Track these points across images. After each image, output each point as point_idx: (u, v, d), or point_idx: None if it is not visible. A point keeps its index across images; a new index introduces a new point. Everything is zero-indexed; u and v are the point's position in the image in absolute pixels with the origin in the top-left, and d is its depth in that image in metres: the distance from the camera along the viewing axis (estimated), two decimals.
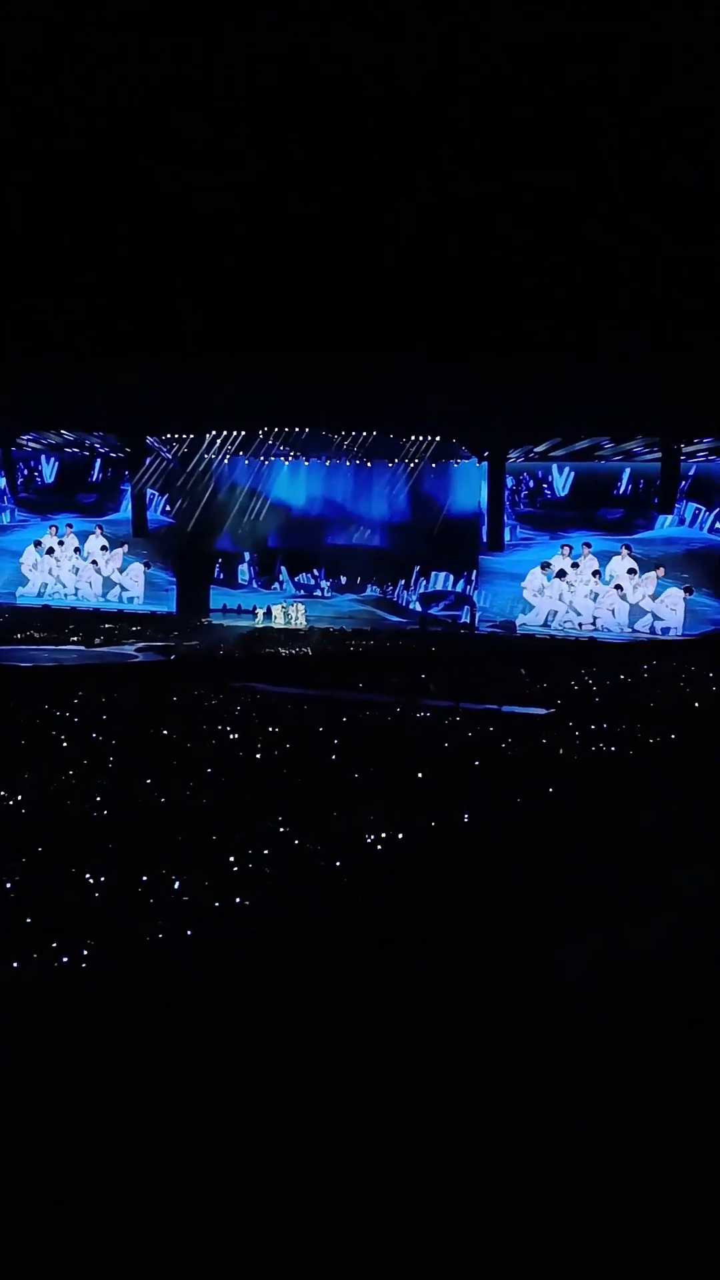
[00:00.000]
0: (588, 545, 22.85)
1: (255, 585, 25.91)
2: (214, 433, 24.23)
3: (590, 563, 22.84)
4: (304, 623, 23.63)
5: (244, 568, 26.04)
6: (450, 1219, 3.60)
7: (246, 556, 26.00)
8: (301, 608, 24.13)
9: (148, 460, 24.95)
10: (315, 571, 25.45)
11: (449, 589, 24.50)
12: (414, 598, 24.79)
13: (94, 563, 26.67)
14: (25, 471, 27.22)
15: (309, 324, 19.48)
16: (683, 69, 15.04)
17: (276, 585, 25.69)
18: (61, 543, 26.86)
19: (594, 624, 22.74)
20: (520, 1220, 3.58)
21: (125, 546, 26.38)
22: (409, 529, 24.86)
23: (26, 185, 18.06)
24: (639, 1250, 3.50)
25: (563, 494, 23.27)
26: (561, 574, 23.15)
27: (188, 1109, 4.11)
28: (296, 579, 25.57)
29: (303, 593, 25.28)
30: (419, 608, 24.69)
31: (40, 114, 16.53)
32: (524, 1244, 3.48)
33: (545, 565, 23.21)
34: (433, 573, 24.67)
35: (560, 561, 23.08)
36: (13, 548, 27.36)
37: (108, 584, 26.64)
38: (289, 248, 18.71)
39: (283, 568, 25.66)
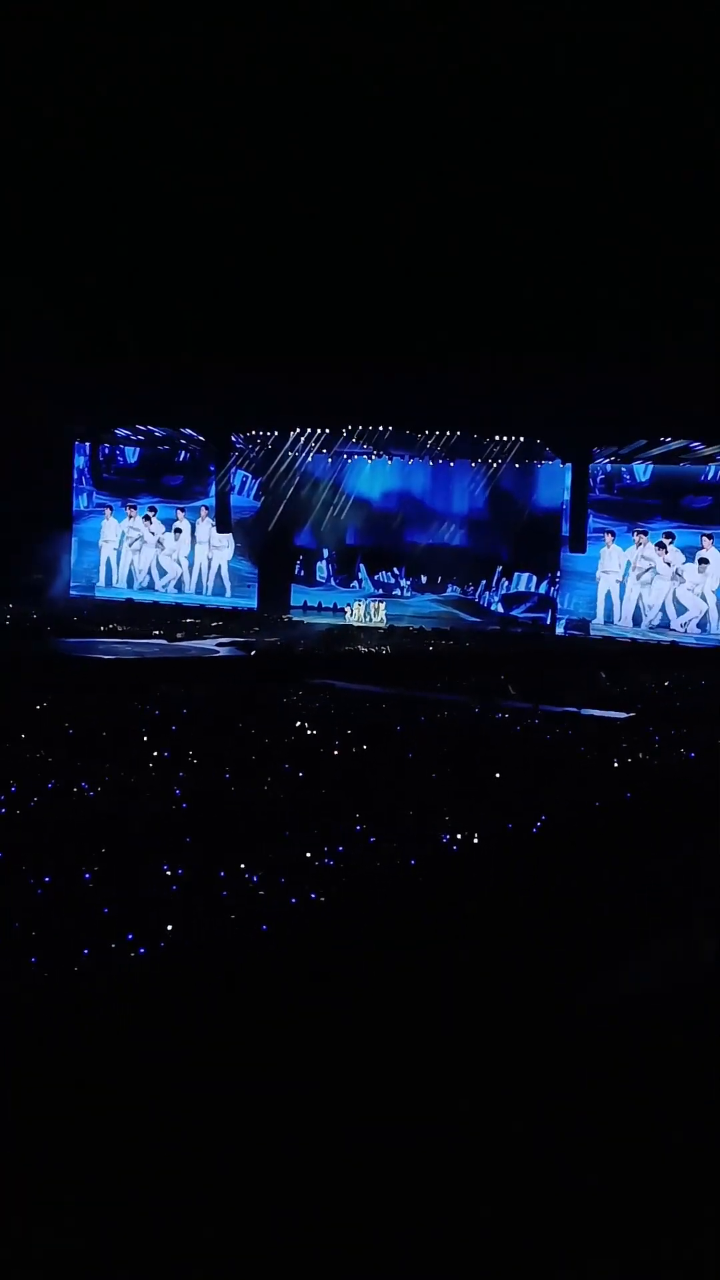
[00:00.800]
0: (670, 536, 22.28)
1: (334, 583, 25.90)
2: (297, 430, 24.33)
3: (675, 555, 22.16)
4: (384, 621, 23.64)
5: (322, 565, 26.03)
6: (465, 1225, 3.60)
7: (325, 554, 25.98)
8: (382, 606, 24.14)
9: (232, 457, 25.11)
10: (395, 570, 25.37)
11: (532, 590, 24.24)
12: (496, 598, 24.60)
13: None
14: (107, 450, 27.33)
15: (394, 322, 19.48)
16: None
17: (355, 584, 25.64)
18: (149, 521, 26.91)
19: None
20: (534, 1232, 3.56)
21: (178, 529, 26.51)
22: (490, 529, 24.72)
23: (105, 184, 18.29)
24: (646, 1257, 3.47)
25: (643, 480, 22.73)
26: (704, 562, 22.14)
27: (247, 1103, 4.15)
28: (375, 577, 25.50)
29: (381, 592, 25.22)
30: (501, 609, 24.50)
31: (124, 103, 16.72)
32: (529, 1248, 3.47)
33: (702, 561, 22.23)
34: (515, 573, 24.45)
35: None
36: (90, 536, 27.56)
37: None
38: (375, 245, 18.75)
39: (362, 566, 25.62)
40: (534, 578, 24.12)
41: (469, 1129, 4.11)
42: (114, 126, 17.48)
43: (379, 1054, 4.56)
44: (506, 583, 24.46)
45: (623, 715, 12.64)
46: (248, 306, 19.93)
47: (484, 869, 6.83)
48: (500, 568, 24.52)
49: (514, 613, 24.27)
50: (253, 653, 18.75)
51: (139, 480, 26.93)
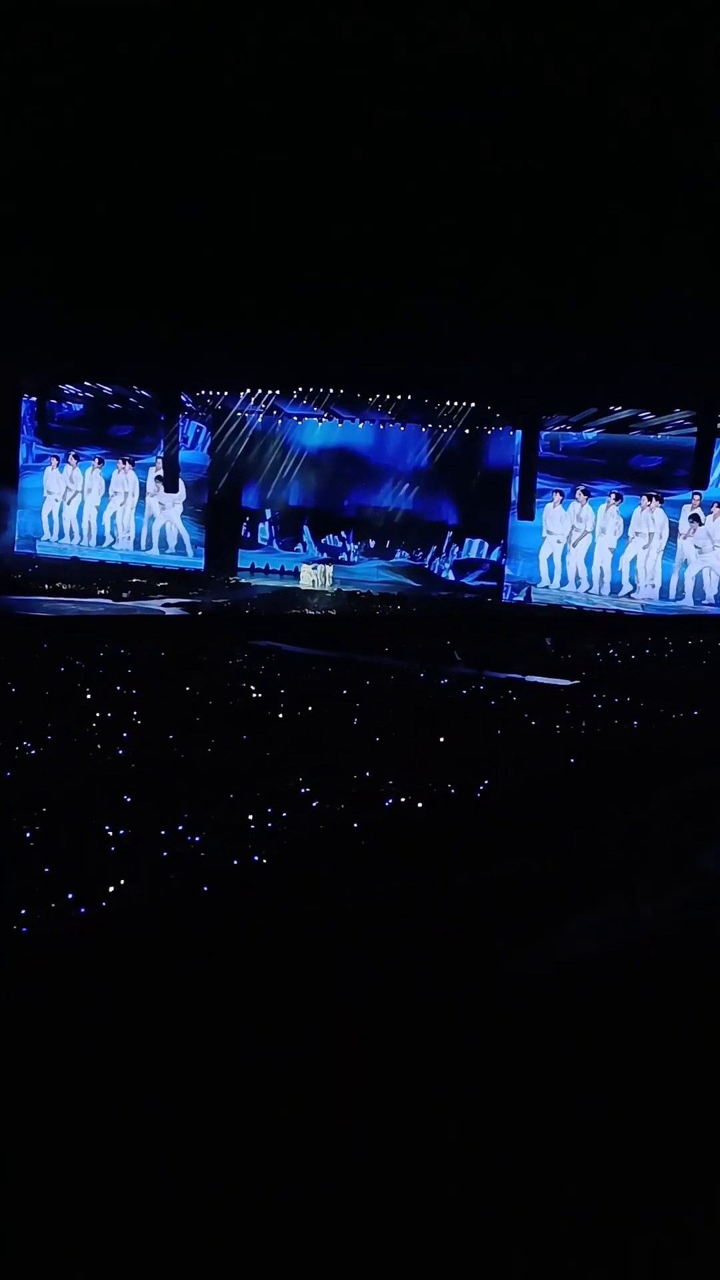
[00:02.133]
0: (617, 496, 22.32)
1: (276, 546, 25.68)
2: (247, 390, 24.11)
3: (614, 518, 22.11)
4: (330, 585, 23.57)
5: (264, 526, 25.77)
6: (446, 1198, 3.62)
7: (267, 515, 25.76)
8: (329, 569, 24.05)
9: (181, 418, 24.86)
10: (343, 534, 25.24)
11: (484, 557, 24.13)
12: (447, 565, 24.50)
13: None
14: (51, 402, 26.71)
15: (347, 285, 19.34)
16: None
17: (299, 547, 25.47)
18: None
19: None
20: (519, 1212, 3.58)
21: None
22: (440, 494, 24.68)
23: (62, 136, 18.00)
24: (640, 1244, 3.50)
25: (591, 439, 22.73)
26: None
27: (188, 1068, 4.14)
28: (322, 541, 25.34)
29: (326, 556, 25.07)
30: (452, 576, 24.41)
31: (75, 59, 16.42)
32: (523, 1240, 3.49)
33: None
34: (466, 539, 24.35)
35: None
36: (33, 485, 27.00)
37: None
38: (329, 206, 18.57)
39: (306, 529, 25.43)
40: (485, 544, 24.04)
41: (413, 1094, 4.13)
42: (60, 78, 17.17)
43: (321, 1016, 4.57)
44: (457, 549, 24.40)
45: (567, 683, 12.71)
46: (199, 264, 19.69)
47: (427, 832, 6.86)
48: (450, 533, 24.46)
49: (466, 579, 24.19)
50: (199, 613, 18.67)
51: (84, 430, 26.46)
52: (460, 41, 14.81)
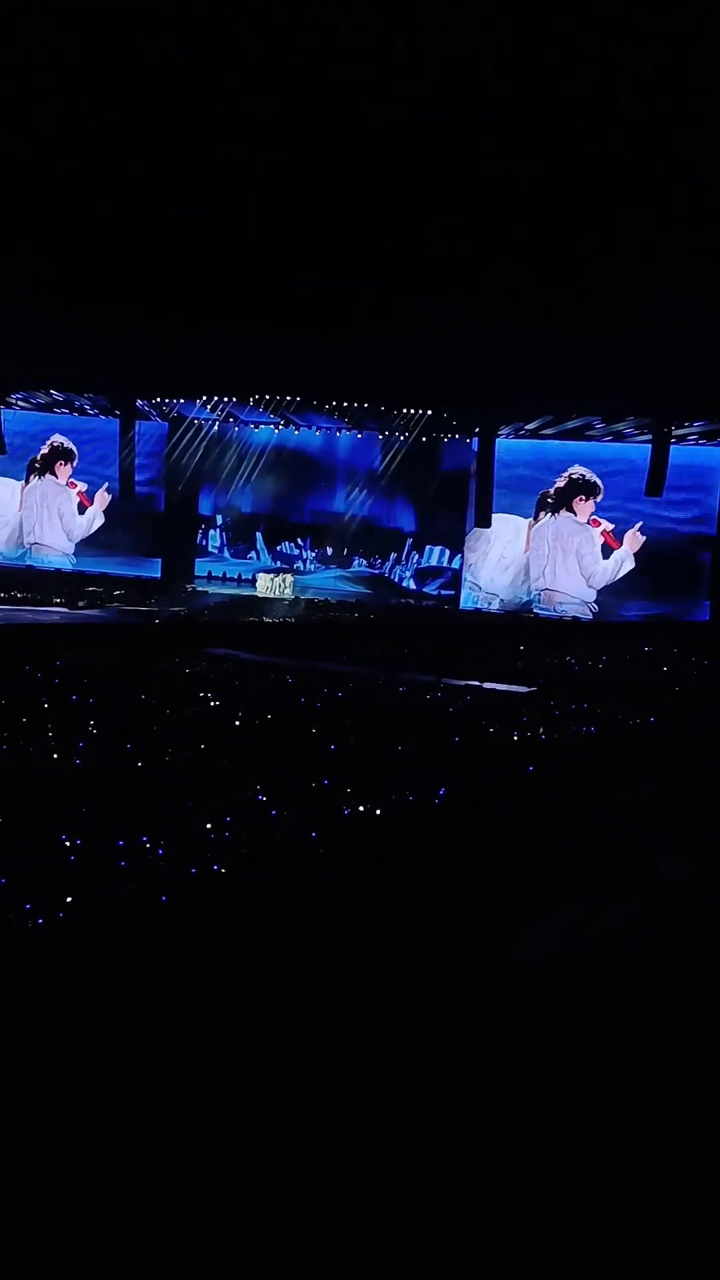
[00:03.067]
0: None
1: (226, 554, 25.53)
2: (203, 397, 24.04)
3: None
4: (290, 593, 23.53)
5: (215, 533, 25.65)
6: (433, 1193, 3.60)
7: (219, 521, 25.64)
8: (289, 578, 24.00)
9: (137, 424, 24.73)
10: (299, 541, 25.15)
11: (445, 564, 24.07)
12: (408, 573, 24.41)
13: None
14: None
15: (303, 291, 19.33)
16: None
17: (252, 555, 25.32)
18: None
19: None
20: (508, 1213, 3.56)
21: None
22: (398, 501, 24.70)
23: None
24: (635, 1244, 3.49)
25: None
26: None
27: (157, 1078, 4.10)
28: (277, 549, 25.22)
29: (280, 564, 24.95)
30: (414, 585, 24.32)
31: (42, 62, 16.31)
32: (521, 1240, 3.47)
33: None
34: (427, 547, 24.34)
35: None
36: None
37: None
38: (288, 211, 18.55)
39: (260, 536, 25.28)
40: (446, 550, 23.99)
41: (382, 1100, 4.11)
42: (19, 83, 17.06)
43: (282, 1026, 4.54)
44: (417, 556, 24.36)
45: (525, 689, 12.74)
46: (156, 269, 19.62)
47: (386, 840, 6.84)
48: (410, 540, 24.44)
49: (427, 588, 24.10)
50: (156, 621, 18.58)
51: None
52: (460, 41, 14.83)
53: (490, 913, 5.92)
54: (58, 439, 25.81)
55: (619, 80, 14.91)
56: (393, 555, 24.52)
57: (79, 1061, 4.13)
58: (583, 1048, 4.58)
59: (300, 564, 24.84)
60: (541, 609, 22.51)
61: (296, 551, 25.07)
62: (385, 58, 14.77)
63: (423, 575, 24.19)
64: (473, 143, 16.39)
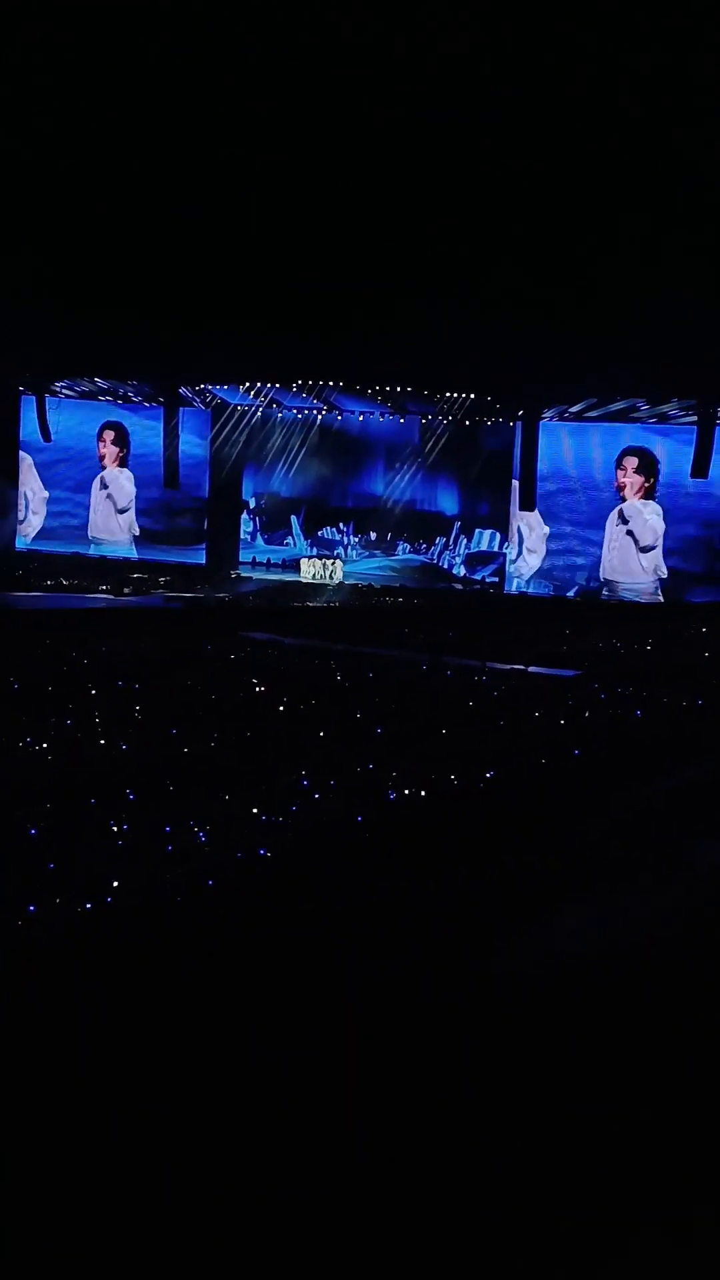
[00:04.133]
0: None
1: (260, 540, 25.50)
2: (246, 384, 24.05)
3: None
4: (336, 578, 23.48)
5: (246, 519, 25.64)
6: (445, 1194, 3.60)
7: (251, 506, 25.63)
8: (338, 563, 23.96)
9: (181, 411, 24.77)
10: (341, 526, 25.07)
11: (496, 549, 23.82)
12: (458, 559, 24.19)
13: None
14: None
15: (345, 279, 19.30)
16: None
17: (289, 540, 25.25)
18: None
19: None
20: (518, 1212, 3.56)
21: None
22: (441, 486, 24.61)
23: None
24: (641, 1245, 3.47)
25: None
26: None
27: (195, 1066, 4.13)
28: (319, 534, 25.12)
29: (318, 550, 24.83)
30: (463, 570, 24.09)
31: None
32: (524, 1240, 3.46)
33: None
34: (476, 530, 24.12)
35: None
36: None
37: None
38: (328, 195, 18.53)
39: (295, 520, 25.18)
40: (497, 534, 23.77)
41: (411, 1087, 4.12)
42: (63, 77, 17.14)
43: (326, 1011, 4.56)
44: (466, 541, 24.16)
45: (570, 673, 12.68)
46: (197, 256, 19.66)
47: (430, 825, 6.84)
48: (459, 524, 24.28)
49: (477, 574, 23.86)
50: (200, 607, 18.65)
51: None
52: (460, 41, 14.79)
53: (534, 897, 5.91)
54: (103, 427, 25.93)
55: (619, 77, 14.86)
56: (439, 540, 24.38)
57: (124, 1046, 4.17)
58: (628, 1040, 4.57)
59: (342, 550, 24.79)
60: (604, 594, 22.46)
61: (339, 537, 25.03)
62: (385, 58, 14.75)
63: (473, 561, 24.02)
64: (511, 140, 16.36)
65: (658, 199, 17.40)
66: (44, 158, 18.32)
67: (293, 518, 25.25)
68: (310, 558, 24.35)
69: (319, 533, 25.16)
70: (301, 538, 25.14)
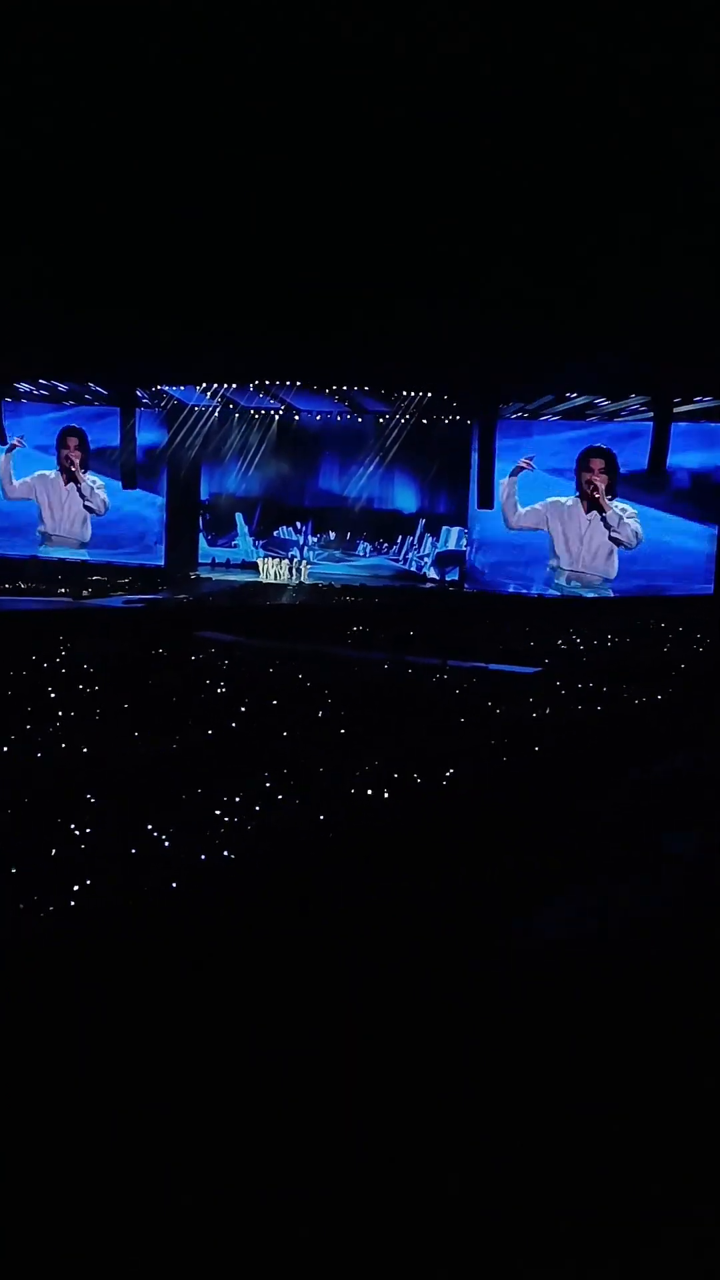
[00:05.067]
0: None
1: (205, 541, 25.44)
2: (202, 385, 23.96)
3: None
4: (298, 578, 23.45)
5: (210, 520, 25.58)
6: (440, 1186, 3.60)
7: (216, 508, 25.55)
8: (303, 564, 23.94)
9: (137, 412, 24.65)
10: (299, 526, 25.07)
11: (460, 547, 23.75)
12: (427, 562, 24.13)
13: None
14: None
15: (299, 274, 19.27)
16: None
17: (236, 542, 25.16)
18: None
19: None
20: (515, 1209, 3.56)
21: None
22: (400, 485, 24.62)
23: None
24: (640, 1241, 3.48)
25: None
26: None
27: (171, 1066, 4.11)
28: (274, 534, 25.07)
29: (283, 550, 24.80)
30: (434, 573, 24.01)
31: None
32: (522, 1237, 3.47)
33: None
34: (444, 529, 24.08)
35: None
36: None
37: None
38: (282, 195, 18.50)
39: (239, 518, 25.10)
40: (464, 532, 23.72)
41: (401, 1083, 4.12)
42: (19, 82, 17.02)
43: (294, 1010, 4.55)
44: (433, 540, 24.16)
45: (530, 670, 12.73)
46: (153, 257, 19.57)
47: (393, 823, 6.84)
48: (422, 522, 24.29)
49: (449, 575, 23.79)
50: (159, 609, 18.58)
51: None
52: (460, 41, 14.81)
53: (498, 895, 5.92)
54: (65, 430, 25.79)
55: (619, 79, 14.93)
56: (401, 539, 24.39)
57: (90, 1048, 4.14)
58: (589, 1032, 4.59)
59: (299, 550, 24.76)
60: (558, 588, 22.53)
61: (297, 537, 25.01)
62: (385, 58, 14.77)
63: (443, 560, 24.00)
64: (473, 141, 16.38)
65: (625, 198, 17.48)
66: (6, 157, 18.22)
67: (238, 515, 25.20)
68: (271, 558, 24.32)
69: (274, 533, 25.13)
70: (248, 538, 25.10)
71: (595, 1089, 4.14)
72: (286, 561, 23.86)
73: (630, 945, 5.43)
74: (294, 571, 23.52)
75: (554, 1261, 3.33)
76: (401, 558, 24.31)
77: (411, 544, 24.31)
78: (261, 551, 24.76)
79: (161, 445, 24.93)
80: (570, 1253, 3.37)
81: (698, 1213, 3.54)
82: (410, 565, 24.17)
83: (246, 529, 25.06)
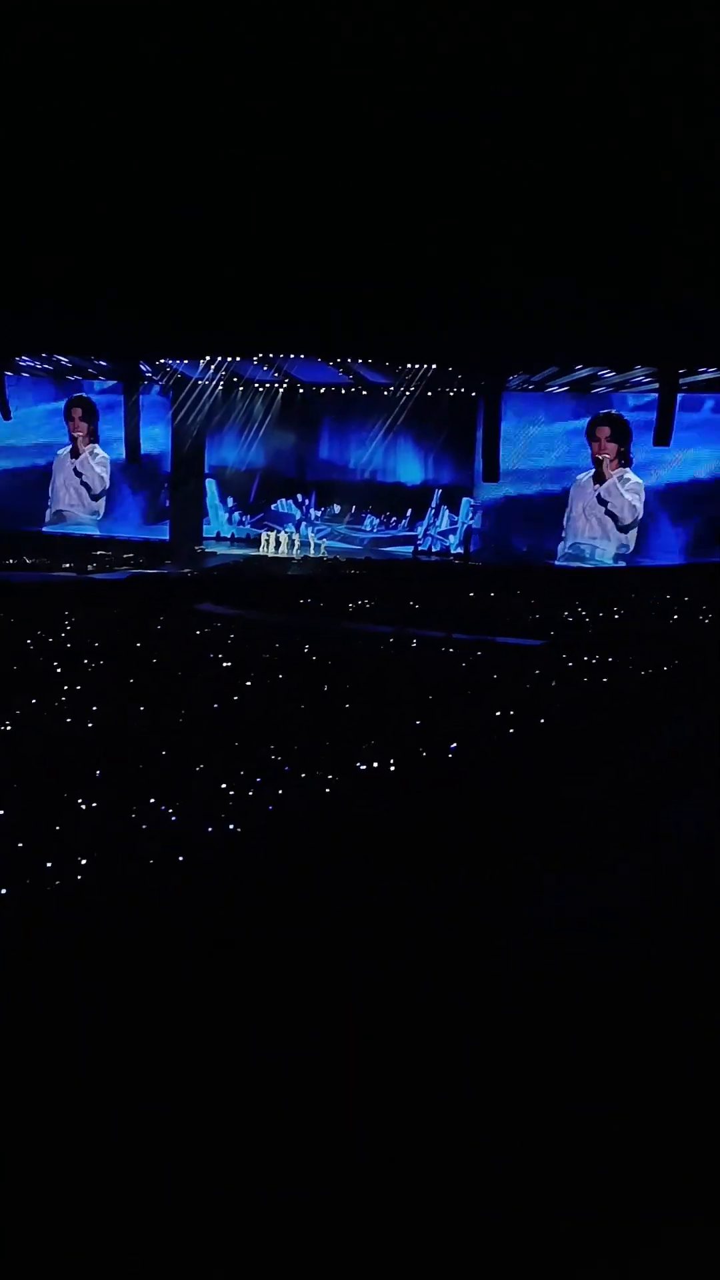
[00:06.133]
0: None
1: (230, 515, 25.45)
2: (207, 358, 23.85)
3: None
4: (301, 552, 23.47)
5: (216, 494, 25.61)
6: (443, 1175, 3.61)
7: (221, 482, 25.58)
8: (311, 536, 23.97)
9: (141, 385, 24.57)
10: (300, 498, 25.07)
11: (467, 520, 23.75)
12: (435, 530, 24.14)
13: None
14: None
15: (305, 249, 19.18)
16: None
17: (256, 514, 25.19)
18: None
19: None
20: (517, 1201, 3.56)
21: None
22: (406, 459, 24.58)
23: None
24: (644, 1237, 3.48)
25: None
26: None
27: (167, 1038, 4.12)
28: (283, 508, 25.08)
29: (288, 524, 24.81)
30: (440, 545, 24.00)
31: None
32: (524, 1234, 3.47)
33: None
34: (451, 501, 24.07)
35: None
36: None
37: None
38: (289, 172, 18.40)
39: (258, 495, 25.11)
40: (471, 504, 23.66)
41: (396, 1063, 4.13)
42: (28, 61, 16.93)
43: (302, 987, 4.56)
44: (435, 513, 24.15)
45: (536, 642, 12.72)
46: (158, 231, 19.48)
47: (399, 797, 6.84)
48: (430, 494, 24.27)
49: (455, 548, 23.80)
50: (167, 583, 18.57)
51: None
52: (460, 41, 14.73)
53: (503, 869, 5.93)
54: (71, 404, 25.78)
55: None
56: (408, 512, 24.39)
57: (93, 1025, 4.15)
58: (591, 1011, 4.59)
59: (306, 523, 24.79)
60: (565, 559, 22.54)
61: (302, 511, 25.02)
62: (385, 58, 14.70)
63: (449, 533, 24.03)
64: (480, 114, 16.31)
65: (614, 171, 17.36)
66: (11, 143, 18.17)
67: (260, 494, 25.23)
68: (275, 531, 24.32)
69: (283, 506, 25.15)
70: (272, 511, 25.12)
71: (601, 1074, 4.15)
72: (290, 534, 23.87)
73: (633, 925, 5.44)
74: (299, 544, 23.54)
75: (554, 1261, 3.33)
76: (408, 531, 24.31)
77: (419, 517, 24.31)
78: (247, 528, 24.83)
79: (165, 419, 24.91)
80: (570, 1252, 3.37)
81: (698, 1213, 3.53)
82: (418, 538, 24.17)
83: (220, 502, 25.08)
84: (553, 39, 15.23)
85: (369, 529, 24.53)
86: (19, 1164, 3.47)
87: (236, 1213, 3.35)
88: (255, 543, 24.46)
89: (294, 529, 24.51)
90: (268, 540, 24.04)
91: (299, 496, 25.08)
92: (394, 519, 24.45)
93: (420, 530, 24.24)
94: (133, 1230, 3.29)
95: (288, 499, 25.12)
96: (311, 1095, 3.86)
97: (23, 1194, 3.38)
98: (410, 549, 23.99)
